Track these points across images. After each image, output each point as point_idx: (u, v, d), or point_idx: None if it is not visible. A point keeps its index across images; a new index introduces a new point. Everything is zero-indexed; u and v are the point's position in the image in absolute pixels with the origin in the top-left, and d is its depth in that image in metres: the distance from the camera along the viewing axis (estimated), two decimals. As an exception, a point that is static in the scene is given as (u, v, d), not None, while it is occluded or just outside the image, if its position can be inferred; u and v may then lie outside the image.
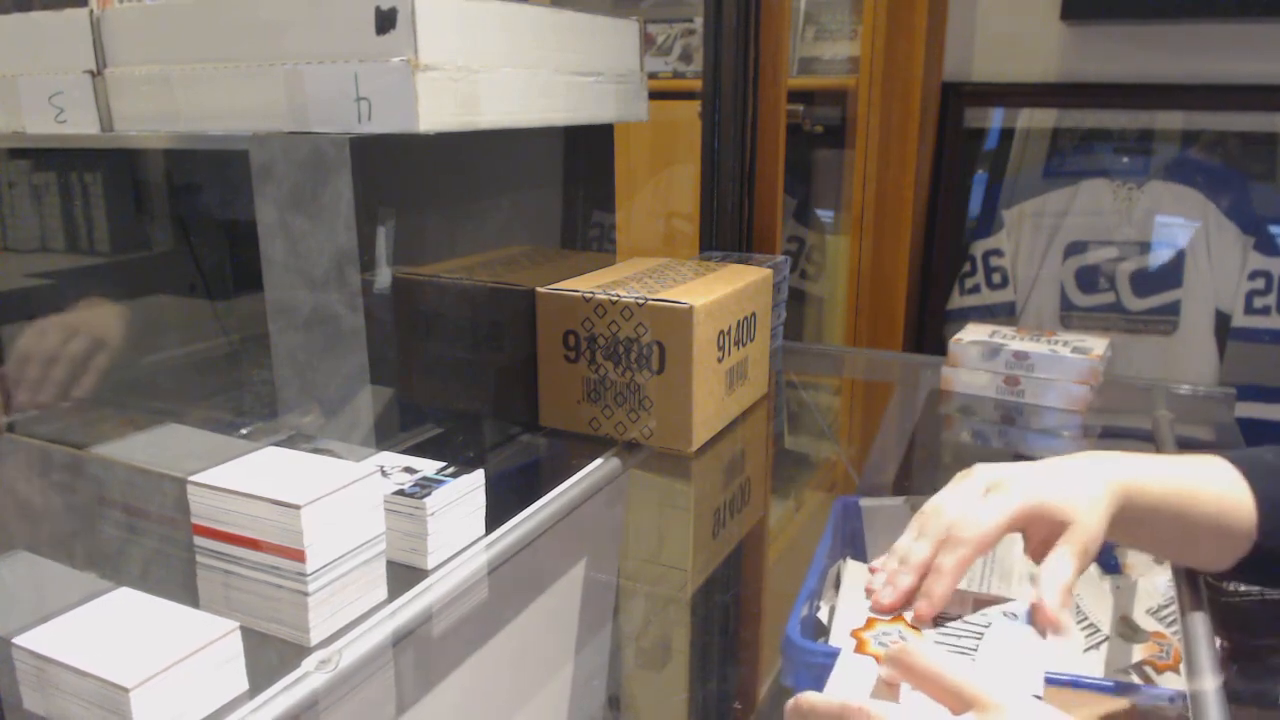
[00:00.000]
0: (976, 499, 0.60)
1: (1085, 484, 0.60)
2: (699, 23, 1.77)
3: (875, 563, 0.62)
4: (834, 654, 0.59)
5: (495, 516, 0.75)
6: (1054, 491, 0.59)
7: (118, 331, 0.85)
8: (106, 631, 0.53)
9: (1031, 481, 0.60)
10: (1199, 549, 0.65)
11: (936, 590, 0.57)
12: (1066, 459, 0.63)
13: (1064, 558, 0.57)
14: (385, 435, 0.80)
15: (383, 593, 0.64)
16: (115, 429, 0.82)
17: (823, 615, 0.76)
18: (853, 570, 0.79)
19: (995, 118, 1.96)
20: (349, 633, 0.61)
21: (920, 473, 1.06)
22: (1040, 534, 0.59)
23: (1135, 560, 0.84)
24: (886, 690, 0.52)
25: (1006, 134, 1.95)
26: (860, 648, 0.57)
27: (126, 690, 0.48)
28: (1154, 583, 0.80)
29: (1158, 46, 1.80)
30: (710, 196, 1.42)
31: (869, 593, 0.60)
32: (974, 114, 1.96)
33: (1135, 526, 0.62)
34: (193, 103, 0.78)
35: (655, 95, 1.09)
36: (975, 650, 0.54)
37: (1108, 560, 0.82)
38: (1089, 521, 0.58)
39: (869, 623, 0.59)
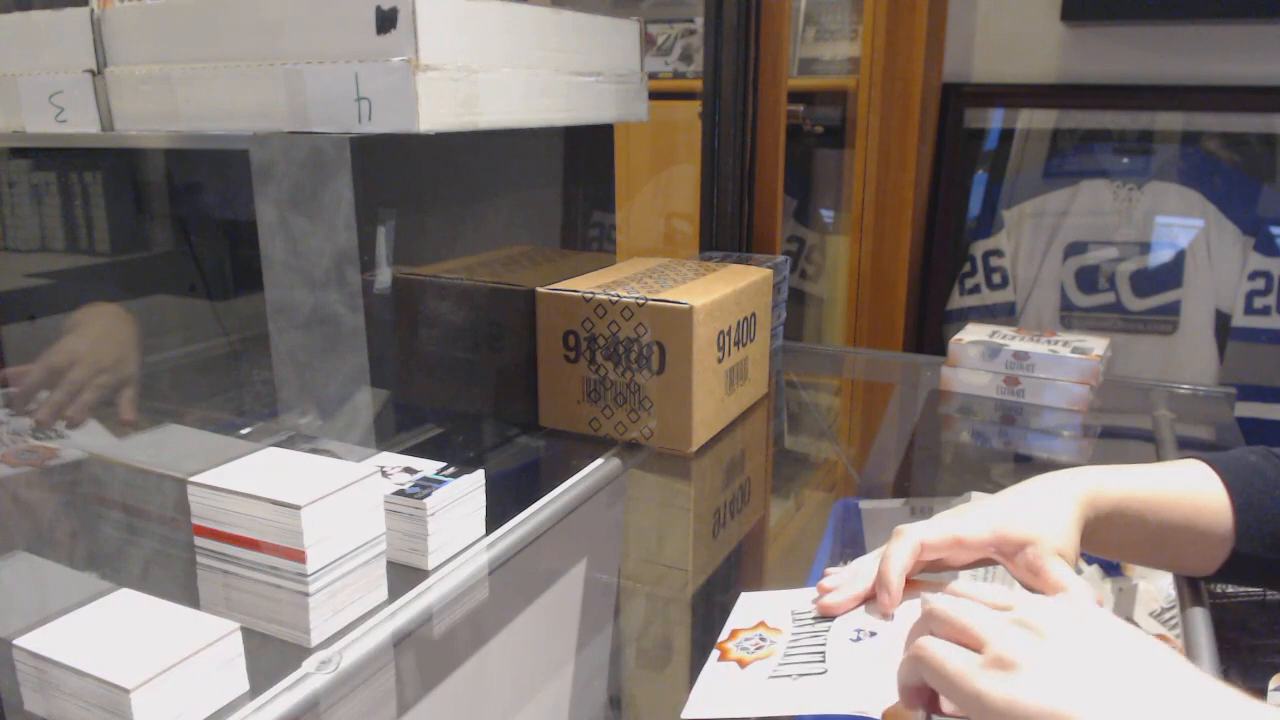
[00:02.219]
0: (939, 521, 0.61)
1: (1047, 500, 0.60)
2: (699, 23, 1.76)
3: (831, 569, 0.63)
4: None
5: (495, 517, 0.75)
6: (1014, 513, 0.59)
7: (123, 332, 0.85)
8: (107, 632, 0.53)
9: (991, 507, 0.60)
10: (1176, 553, 0.64)
11: (848, 589, 0.59)
12: (1032, 480, 0.63)
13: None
14: (385, 435, 0.79)
15: (383, 593, 0.64)
16: (115, 429, 0.82)
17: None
18: None
19: (995, 118, 1.96)
20: (350, 633, 0.61)
21: (920, 473, 1.06)
22: (1015, 557, 0.59)
23: (1136, 561, 0.84)
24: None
25: (1006, 134, 1.94)
26: (724, 656, 0.59)
27: (127, 691, 0.48)
28: (1156, 585, 0.80)
29: (1158, 47, 1.80)
30: (710, 196, 1.42)
31: (821, 590, 0.61)
32: (974, 114, 1.96)
33: (1105, 534, 0.62)
34: (193, 102, 0.78)
35: (655, 95, 1.09)
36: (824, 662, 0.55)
37: (1110, 563, 0.82)
38: (1052, 534, 0.58)
39: (733, 634, 0.61)
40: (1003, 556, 0.59)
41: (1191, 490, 0.63)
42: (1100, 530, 0.61)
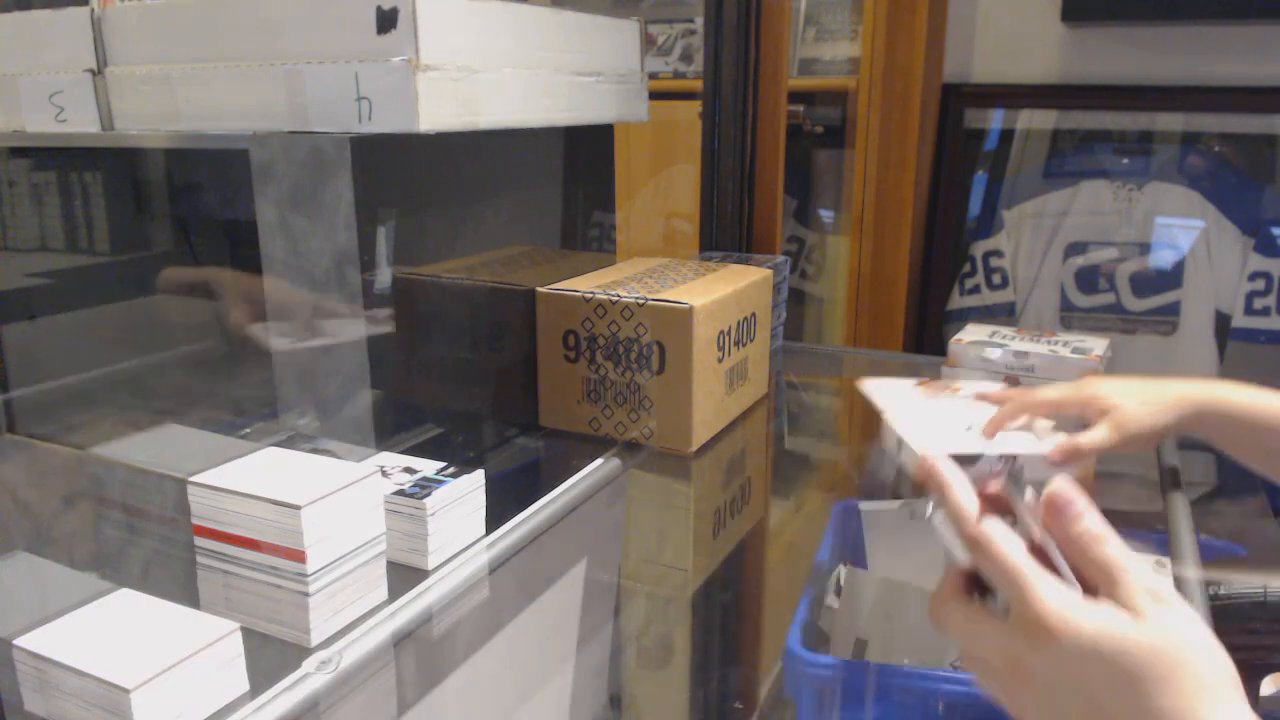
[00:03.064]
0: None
1: (1148, 390, 0.70)
2: (699, 23, 1.76)
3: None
4: (834, 665, 0.59)
5: (495, 516, 0.75)
6: (1111, 387, 0.70)
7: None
8: (107, 632, 0.53)
9: (1099, 380, 0.72)
10: None
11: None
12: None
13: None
14: (385, 435, 0.79)
15: (383, 593, 0.64)
16: (115, 429, 0.82)
17: (823, 623, 0.75)
18: (852, 577, 0.79)
19: (995, 118, 1.95)
20: (349, 633, 0.61)
21: (920, 473, 1.06)
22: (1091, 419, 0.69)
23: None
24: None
25: (1006, 135, 1.94)
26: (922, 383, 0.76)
27: (127, 691, 0.48)
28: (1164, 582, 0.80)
29: (1158, 47, 1.80)
30: (710, 196, 1.42)
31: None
32: (974, 115, 1.96)
33: (1228, 433, 0.70)
34: (193, 102, 0.77)
35: (655, 95, 1.09)
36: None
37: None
38: (1129, 409, 0.68)
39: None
40: (1081, 409, 0.71)
41: None
42: (1223, 432, 0.70)
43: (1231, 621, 0.71)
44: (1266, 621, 0.75)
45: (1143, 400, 0.70)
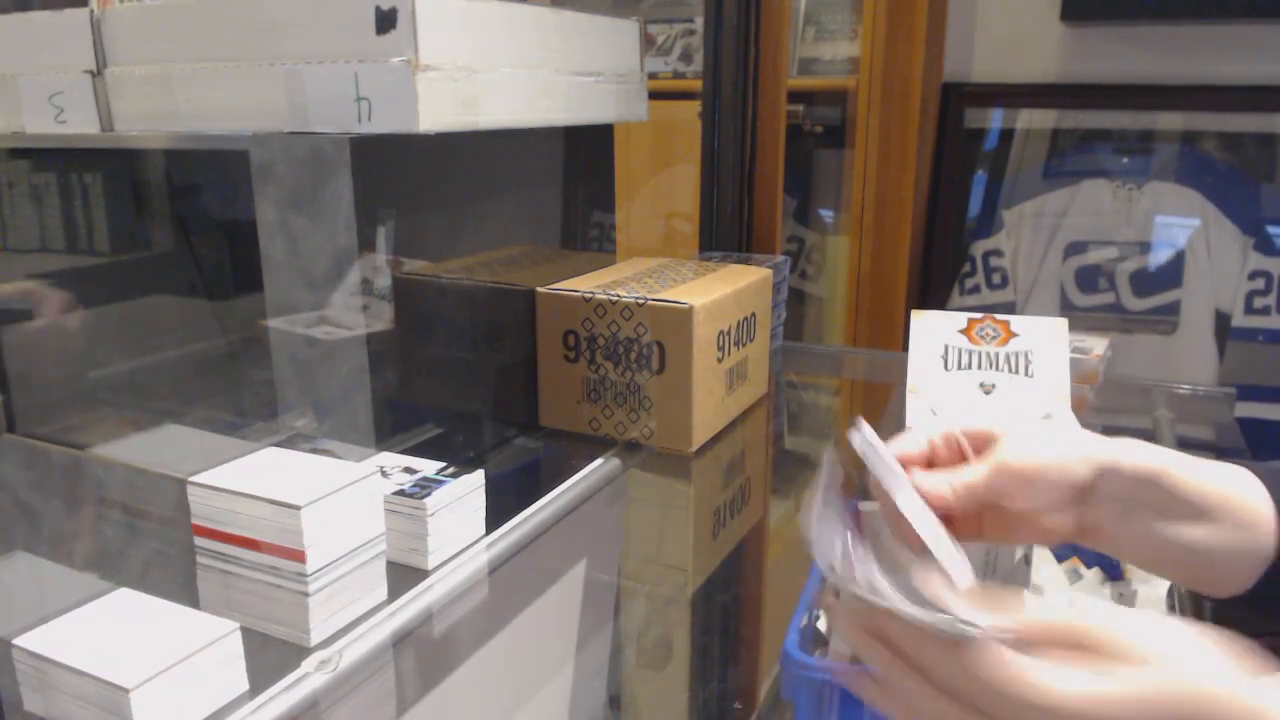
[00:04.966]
0: None
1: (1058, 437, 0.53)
2: (699, 23, 1.76)
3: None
4: (832, 668, 0.58)
5: (495, 516, 0.75)
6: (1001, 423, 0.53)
7: None
8: (107, 632, 0.53)
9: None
10: (1209, 553, 0.54)
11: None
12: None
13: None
14: (385, 435, 0.80)
15: (383, 593, 0.64)
16: (115, 429, 0.82)
17: (822, 625, 0.75)
18: None
19: (995, 118, 1.95)
20: (349, 633, 0.61)
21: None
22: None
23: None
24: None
25: (1006, 134, 1.94)
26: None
27: (126, 691, 0.48)
28: (1156, 590, 0.80)
29: (1158, 47, 1.80)
30: (710, 196, 1.42)
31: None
32: (974, 114, 1.96)
33: (1134, 510, 0.53)
34: (193, 103, 0.78)
35: (655, 95, 1.09)
36: None
37: (1110, 566, 0.82)
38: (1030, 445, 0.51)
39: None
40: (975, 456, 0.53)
41: (1231, 483, 0.55)
42: (1129, 504, 0.52)
43: (1229, 622, 0.71)
44: (1264, 622, 0.75)
45: (1050, 440, 0.53)
